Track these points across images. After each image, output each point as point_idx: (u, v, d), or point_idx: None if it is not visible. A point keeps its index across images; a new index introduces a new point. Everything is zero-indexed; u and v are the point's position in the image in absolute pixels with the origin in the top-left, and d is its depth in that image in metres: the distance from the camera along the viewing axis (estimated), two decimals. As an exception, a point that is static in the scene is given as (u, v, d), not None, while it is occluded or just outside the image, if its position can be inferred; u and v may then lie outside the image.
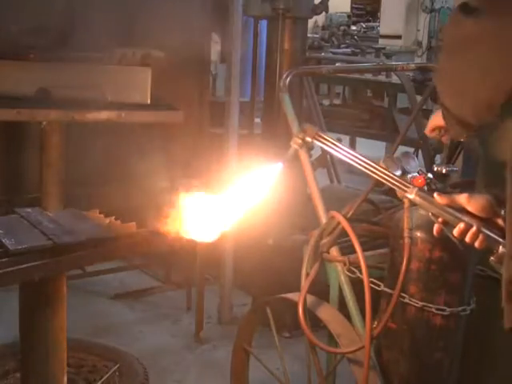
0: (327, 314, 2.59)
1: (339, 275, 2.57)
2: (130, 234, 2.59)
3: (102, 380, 3.40)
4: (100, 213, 2.75)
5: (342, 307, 2.58)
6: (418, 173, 2.17)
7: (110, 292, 4.85)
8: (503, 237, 1.84)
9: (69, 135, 3.36)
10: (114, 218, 2.71)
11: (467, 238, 1.91)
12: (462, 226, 1.91)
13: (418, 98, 5.76)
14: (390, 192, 2.97)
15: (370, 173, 2.13)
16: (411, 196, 2.05)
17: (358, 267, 2.43)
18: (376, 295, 2.40)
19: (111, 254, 2.52)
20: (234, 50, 4.26)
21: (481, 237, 1.90)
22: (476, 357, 2.62)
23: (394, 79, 7.69)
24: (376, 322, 2.37)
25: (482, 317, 2.47)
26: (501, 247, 1.87)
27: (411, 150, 3.91)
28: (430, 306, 2.34)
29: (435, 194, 1.97)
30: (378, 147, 8.09)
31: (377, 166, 2.12)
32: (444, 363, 2.42)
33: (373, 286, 2.36)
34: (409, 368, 2.44)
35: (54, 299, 2.52)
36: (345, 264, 2.55)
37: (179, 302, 4.72)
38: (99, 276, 4.69)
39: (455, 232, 1.92)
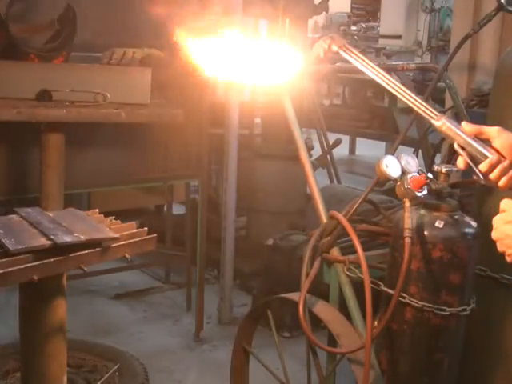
0: (327, 313, 2.59)
1: (339, 275, 2.57)
2: (130, 234, 2.59)
3: (102, 380, 3.40)
4: (100, 213, 2.75)
5: (342, 307, 2.58)
6: (418, 173, 2.16)
7: (110, 292, 4.85)
8: None
9: (69, 135, 3.35)
10: (113, 217, 2.71)
11: (495, 173, 1.78)
12: (494, 158, 1.78)
13: (418, 98, 5.75)
14: (390, 192, 2.97)
15: (397, 93, 2.01)
16: (438, 123, 1.93)
17: (358, 267, 2.43)
18: (376, 295, 2.40)
19: (111, 254, 2.51)
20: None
21: (511, 174, 1.77)
22: (476, 357, 2.62)
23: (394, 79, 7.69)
24: (376, 322, 2.37)
25: (482, 317, 2.47)
26: None
27: (411, 149, 3.91)
28: (430, 306, 2.34)
29: (463, 123, 1.85)
30: (378, 147, 8.09)
31: (404, 89, 2.02)
32: (444, 363, 2.42)
33: (373, 285, 2.36)
34: (409, 368, 2.44)
35: (54, 299, 2.52)
36: (345, 264, 2.55)
37: (179, 302, 4.72)
38: (99, 276, 4.69)
39: (484, 165, 1.78)
